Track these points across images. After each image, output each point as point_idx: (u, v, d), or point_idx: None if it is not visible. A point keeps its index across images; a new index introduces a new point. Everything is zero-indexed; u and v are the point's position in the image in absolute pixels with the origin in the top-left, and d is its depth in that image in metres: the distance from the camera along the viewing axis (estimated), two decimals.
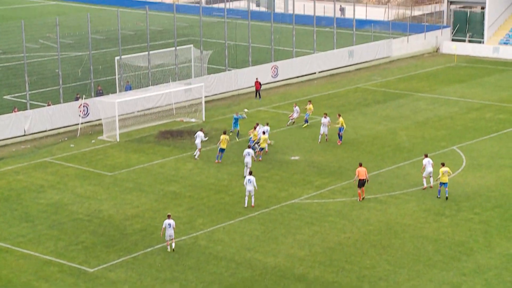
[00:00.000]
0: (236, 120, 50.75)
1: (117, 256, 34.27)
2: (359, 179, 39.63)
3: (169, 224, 34.43)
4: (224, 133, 46.61)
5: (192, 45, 62.70)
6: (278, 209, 39.26)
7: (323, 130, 49.39)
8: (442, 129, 52.52)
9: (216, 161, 46.26)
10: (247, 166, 43.02)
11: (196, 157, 47.01)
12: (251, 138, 47.36)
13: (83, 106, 54.17)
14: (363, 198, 39.80)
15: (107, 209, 39.66)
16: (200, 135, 47.29)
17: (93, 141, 51.40)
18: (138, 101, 56.02)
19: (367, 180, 39.88)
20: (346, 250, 34.48)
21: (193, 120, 55.70)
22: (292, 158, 47.08)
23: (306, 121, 53.22)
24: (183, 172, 44.99)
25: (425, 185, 41.14)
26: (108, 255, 34.19)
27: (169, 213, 35.36)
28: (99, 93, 56.84)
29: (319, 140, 49.52)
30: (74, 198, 41.17)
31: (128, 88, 57.86)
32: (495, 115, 55.86)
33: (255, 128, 48.09)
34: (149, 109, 57.27)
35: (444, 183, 39.51)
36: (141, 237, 36.20)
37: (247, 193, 39.25)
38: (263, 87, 63.55)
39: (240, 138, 50.06)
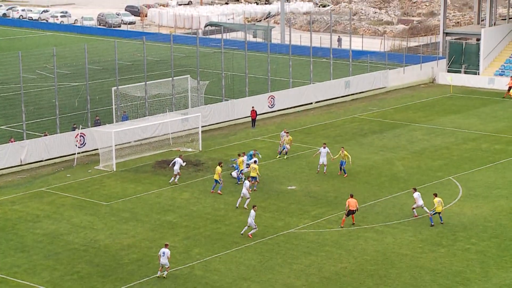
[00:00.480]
0: (250, 156, 50.00)
1: (112, 286, 34.08)
2: (349, 209, 40.29)
3: (163, 253, 34.48)
4: (219, 164, 46.68)
5: (189, 76, 62.96)
6: (274, 239, 39.16)
7: (322, 160, 49.34)
8: (439, 159, 52.61)
9: (212, 191, 46.27)
10: (242, 197, 43.17)
11: (170, 182, 47.66)
12: (237, 166, 47.70)
13: (80, 136, 54.20)
14: (353, 224, 40.11)
15: (103, 239, 39.53)
16: (178, 161, 47.81)
17: (89, 170, 51.36)
18: (135, 131, 56.10)
19: (357, 210, 40.62)
20: (342, 280, 34.34)
21: (189, 149, 55.73)
22: (289, 187, 47.06)
23: (280, 153, 52.78)
24: (179, 202, 44.93)
25: (415, 214, 41.50)
26: (104, 285, 34.00)
27: (166, 243, 35.42)
28: (97, 123, 56.92)
29: (318, 170, 49.50)
30: (70, 228, 41.04)
31: (125, 118, 57.97)
32: (491, 145, 56.00)
33: (239, 155, 48.14)
34: (146, 138, 57.31)
35: (439, 213, 40.01)
36: (137, 267, 36.04)
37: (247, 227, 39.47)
38: (259, 117, 63.73)
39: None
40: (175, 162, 47.91)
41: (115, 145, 51.88)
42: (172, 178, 47.95)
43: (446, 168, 50.53)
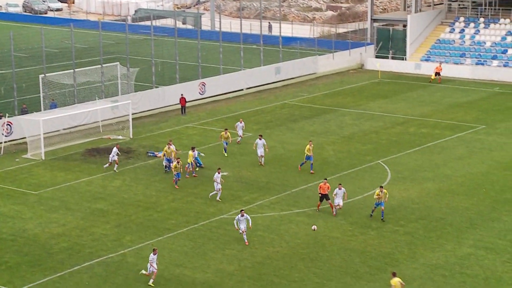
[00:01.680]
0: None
1: (42, 276, 33.64)
2: (321, 193, 40.39)
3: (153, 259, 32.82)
4: (192, 149, 46.72)
5: (118, 63, 62.29)
6: (207, 225, 39.23)
7: (259, 152, 48.18)
8: (368, 143, 53.43)
9: (193, 174, 46.54)
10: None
11: (105, 167, 47.50)
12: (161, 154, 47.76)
13: (6, 125, 53.15)
14: (335, 212, 39.88)
15: (32, 228, 38.94)
16: (114, 151, 47.44)
17: (17, 159, 50.45)
18: (63, 119, 55.30)
19: (329, 192, 40.51)
20: (274, 264, 34.66)
21: (120, 137, 55.25)
22: (221, 173, 47.06)
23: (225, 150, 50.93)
24: (110, 190, 44.55)
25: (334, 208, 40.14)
26: (34, 275, 33.53)
27: (155, 247, 33.75)
28: (24, 111, 55.87)
29: (260, 162, 48.22)
30: None
31: (53, 106, 57.06)
32: (418, 129, 57.14)
33: (169, 143, 47.80)
34: (75, 126, 56.56)
35: (380, 203, 39.13)
36: (67, 256, 35.64)
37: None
38: (190, 103, 63.55)
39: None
40: (112, 152, 47.46)
41: (44, 134, 51.06)
42: (106, 165, 47.58)
43: (375, 152, 51.38)
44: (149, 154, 50.78)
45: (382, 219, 39.19)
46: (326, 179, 41.61)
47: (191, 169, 46.53)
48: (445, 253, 35.57)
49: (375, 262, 34.71)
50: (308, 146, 46.74)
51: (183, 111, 61.81)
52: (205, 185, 45.12)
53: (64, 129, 56.06)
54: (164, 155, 47.52)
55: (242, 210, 37.43)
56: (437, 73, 72.85)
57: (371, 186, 44.57)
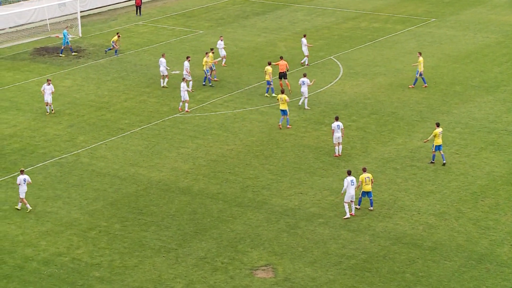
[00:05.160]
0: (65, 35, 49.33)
1: None
2: (279, 72, 42.12)
3: (24, 180, 30.54)
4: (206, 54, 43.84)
5: None
6: (160, 124, 39.19)
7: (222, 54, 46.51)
8: (320, 39, 53.28)
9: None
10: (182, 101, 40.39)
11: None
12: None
13: None
14: (282, 91, 39.03)
15: None
16: (163, 62, 43.82)
17: None
18: (9, 16, 53.82)
19: (287, 70, 42.55)
20: (229, 162, 34.96)
21: (69, 36, 54.11)
22: (173, 72, 46.74)
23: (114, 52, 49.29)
24: (61, 90, 43.96)
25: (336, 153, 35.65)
26: None
27: (22, 168, 31.50)
28: None
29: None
30: None
31: None
32: (370, 24, 57.08)
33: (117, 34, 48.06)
34: (22, 25, 55.17)
35: (368, 192, 30.45)
36: (20, 156, 35.42)
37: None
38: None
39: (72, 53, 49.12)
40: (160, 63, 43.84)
41: None
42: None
43: (327, 48, 51.33)
44: (106, 51, 49.81)
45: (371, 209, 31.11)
46: (281, 57, 43.07)
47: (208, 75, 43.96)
48: (396, 146, 36.23)
49: (328, 158, 35.22)
50: (268, 67, 42.38)
51: (138, 11, 60.41)
52: (158, 84, 44.76)
53: (11, 27, 54.65)
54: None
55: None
56: None
57: (324, 82, 44.72)
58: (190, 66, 43.61)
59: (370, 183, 30.30)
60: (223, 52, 47.30)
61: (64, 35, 49.04)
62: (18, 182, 30.56)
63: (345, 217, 29.91)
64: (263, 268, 26.67)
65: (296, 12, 60.38)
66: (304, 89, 40.37)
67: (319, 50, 50.64)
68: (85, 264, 26.90)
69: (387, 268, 26.62)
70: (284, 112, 38.23)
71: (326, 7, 61.82)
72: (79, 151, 36.11)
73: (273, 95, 42.38)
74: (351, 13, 59.96)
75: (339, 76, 45.93)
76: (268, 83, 42.38)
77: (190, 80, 42.70)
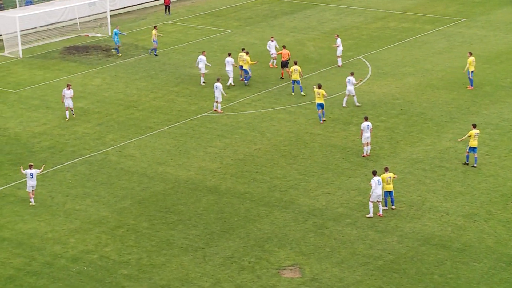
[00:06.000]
0: (116, 34, 49.49)
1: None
2: (282, 60, 44.33)
3: (31, 174, 30.78)
4: (242, 50, 43.95)
5: None
6: (188, 123, 39.29)
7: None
8: (349, 39, 53.09)
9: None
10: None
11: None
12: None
13: None
14: (282, 78, 42.09)
15: (13, 127, 38.84)
16: (203, 59, 43.70)
17: None
18: (40, 15, 54.30)
19: (289, 59, 44.27)
20: (257, 161, 34.96)
21: (98, 35, 54.52)
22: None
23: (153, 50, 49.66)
24: (90, 88, 44.27)
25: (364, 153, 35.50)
26: (16, 173, 33.64)
27: (31, 163, 31.68)
28: (0, 8, 54.78)
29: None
30: None
31: (29, 2, 55.92)
32: (399, 24, 56.77)
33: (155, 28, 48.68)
34: (52, 24, 55.63)
35: (389, 192, 30.41)
36: (50, 154, 35.72)
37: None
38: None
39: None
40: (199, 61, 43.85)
41: (20, 31, 50.21)
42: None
43: (356, 48, 51.14)
44: (150, 52, 49.86)
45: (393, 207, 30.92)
46: (284, 46, 44.92)
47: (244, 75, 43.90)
48: (425, 147, 35.99)
49: (356, 158, 35.08)
50: (295, 67, 41.95)
51: (167, 10, 60.63)
52: (186, 83, 44.92)
53: (41, 26, 55.15)
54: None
55: None
56: None
57: None
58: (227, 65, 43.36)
59: (392, 182, 30.19)
60: (273, 52, 46.68)
61: (115, 34, 49.03)
62: (25, 174, 30.80)
63: (368, 215, 29.83)
64: (290, 268, 26.64)
65: (325, 12, 60.24)
66: (350, 87, 40.35)
67: (348, 50, 50.44)
68: (113, 261, 27.05)
69: (415, 269, 26.46)
70: (320, 105, 38.40)
71: (355, 7, 61.58)
72: (107, 149, 36.32)
73: (302, 93, 42.32)
74: (380, 13, 59.69)
75: (368, 76, 45.74)
76: (298, 82, 42.24)
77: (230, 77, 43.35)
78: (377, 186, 29.69)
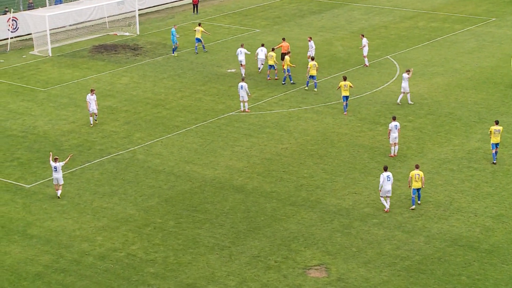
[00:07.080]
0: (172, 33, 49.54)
1: None
2: (282, 52, 44.91)
3: (55, 168, 31.11)
4: (287, 53, 44.69)
5: None
6: (215, 122, 39.35)
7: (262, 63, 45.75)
8: (377, 38, 52.86)
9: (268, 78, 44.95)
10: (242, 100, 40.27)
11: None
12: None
13: (12, 20, 52.66)
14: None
15: (42, 125, 39.17)
16: (243, 51, 44.65)
17: (24, 56, 50.26)
18: (69, 14, 54.72)
19: (288, 52, 44.56)
20: (283, 160, 34.92)
21: (127, 33, 54.81)
22: (229, 70, 46.93)
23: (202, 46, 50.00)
24: (118, 87, 44.52)
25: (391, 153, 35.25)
26: (45, 171, 33.93)
27: (56, 157, 31.87)
28: (30, 7, 55.28)
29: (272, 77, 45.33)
30: (7, 114, 40.48)
31: (59, 1, 56.36)
32: (428, 23, 56.40)
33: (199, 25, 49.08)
34: (81, 23, 56.03)
35: (418, 189, 30.37)
36: (78, 152, 35.97)
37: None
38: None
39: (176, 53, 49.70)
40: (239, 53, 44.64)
41: (50, 30, 50.64)
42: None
43: (384, 47, 50.90)
44: (203, 48, 50.02)
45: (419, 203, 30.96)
46: (284, 39, 45.64)
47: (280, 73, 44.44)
48: (453, 147, 35.72)
49: (383, 157, 34.91)
50: (313, 63, 42.17)
51: (195, 9, 60.78)
52: (213, 82, 45.01)
53: (70, 25, 55.56)
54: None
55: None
56: None
57: (380, 81, 44.39)
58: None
59: (420, 180, 30.01)
60: (312, 53, 46.19)
61: (172, 34, 49.14)
62: (51, 166, 31.38)
63: (385, 209, 29.90)
64: (316, 267, 26.58)
65: (353, 11, 60.02)
66: (405, 84, 40.27)
67: (376, 50, 50.23)
68: (140, 260, 27.18)
69: (442, 270, 26.27)
70: (346, 98, 39.05)
71: (384, 6, 61.29)
72: (135, 147, 36.50)
73: (306, 88, 42.88)
74: (409, 12, 59.35)
75: (396, 76, 45.50)
76: (313, 77, 42.44)
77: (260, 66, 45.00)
78: (386, 182, 29.71)
